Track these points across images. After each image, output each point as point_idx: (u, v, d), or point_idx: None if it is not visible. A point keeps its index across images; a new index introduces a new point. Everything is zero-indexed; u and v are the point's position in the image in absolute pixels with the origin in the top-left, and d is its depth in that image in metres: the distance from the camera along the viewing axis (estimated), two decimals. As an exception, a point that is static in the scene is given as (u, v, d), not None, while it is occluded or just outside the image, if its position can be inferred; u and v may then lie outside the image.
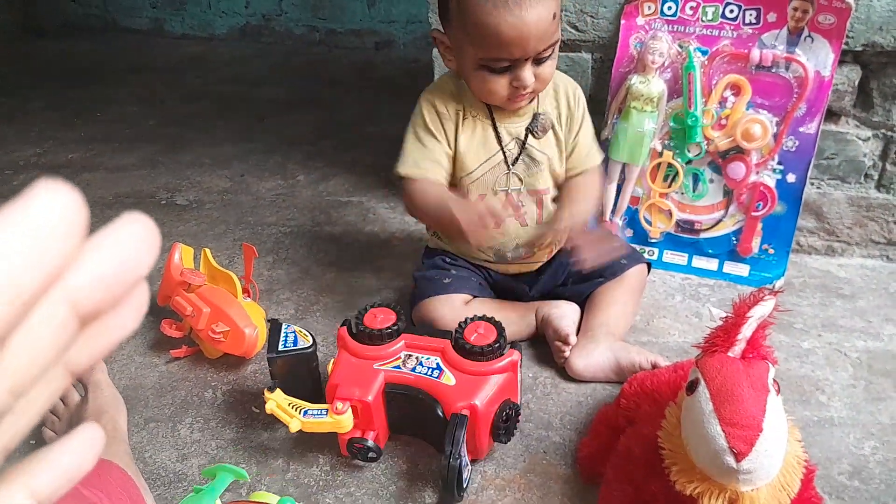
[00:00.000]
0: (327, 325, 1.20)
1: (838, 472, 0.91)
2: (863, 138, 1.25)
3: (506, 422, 0.89)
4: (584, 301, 1.14)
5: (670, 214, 1.29)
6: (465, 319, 0.94)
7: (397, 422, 0.93)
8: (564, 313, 1.10)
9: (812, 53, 1.17)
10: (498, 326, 0.93)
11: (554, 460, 0.94)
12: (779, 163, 1.22)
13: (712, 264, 1.30)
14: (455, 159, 1.09)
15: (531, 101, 1.07)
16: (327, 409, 0.87)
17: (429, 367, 0.91)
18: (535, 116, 1.09)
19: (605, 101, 1.27)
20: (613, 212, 1.33)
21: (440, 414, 0.87)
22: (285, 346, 0.95)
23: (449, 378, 0.89)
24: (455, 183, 1.11)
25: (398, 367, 0.91)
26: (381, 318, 0.94)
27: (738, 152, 1.23)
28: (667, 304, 1.24)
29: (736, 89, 1.21)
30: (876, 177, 1.27)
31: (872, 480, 0.90)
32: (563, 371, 1.07)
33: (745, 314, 0.74)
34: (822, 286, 1.28)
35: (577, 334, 1.07)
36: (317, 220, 1.55)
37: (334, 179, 1.73)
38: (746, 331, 0.74)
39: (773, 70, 1.19)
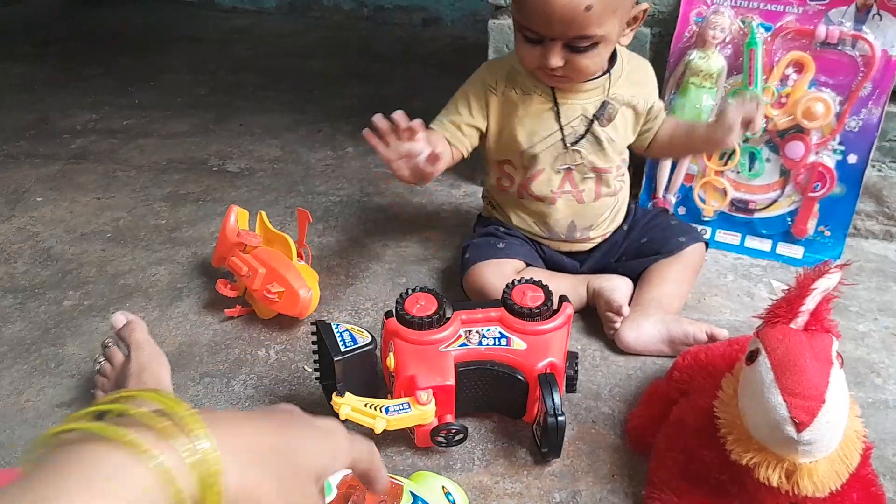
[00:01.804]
0: (376, 291, 1.21)
1: (892, 453, 0.90)
2: (928, 120, 1.21)
3: (575, 372, 0.93)
4: (637, 277, 1.14)
5: (725, 193, 1.28)
6: (508, 285, 0.94)
7: (466, 400, 0.91)
8: (617, 286, 1.10)
9: (880, 31, 1.14)
10: (540, 285, 0.94)
11: (603, 430, 0.94)
12: (840, 143, 1.20)
13: (766, 245, 1.28)
14: (507, 131, 1.10)
15: (569, 82, 1.05)
16: (409, 402, 0.83)
17: (493, 338, 0.90)
18: (604, 104, 1.08)
19: (662, 76, 1.26)
20: (667, 189, 1.31)
21: (521, 379, 0.88)
22: (347, 346, 0.89)
23: (519, 343, 0.89)
24: (512, 153, 1.12)
25: (464, 344, 0.90)
26: (423, 304, 0.91)
27: (797, 131, 1.21)
28: (719, 282, 1.23)
29: (799, 67, 1.19)
30: (940, 161, 1.24)
31: (929, 463, 0.88)
32: (613, 344, 1.07)
33: (810, 286, 0.73)
34: (878, 270, 1.25)
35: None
36: (365, 191, 1.56)
37: (382, 152, 1.74)
38: (810, 303, 0.73)
39: (839, 48, 1.16)
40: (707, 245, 1.18)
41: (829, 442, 0.69)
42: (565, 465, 0.89)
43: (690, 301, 1.17)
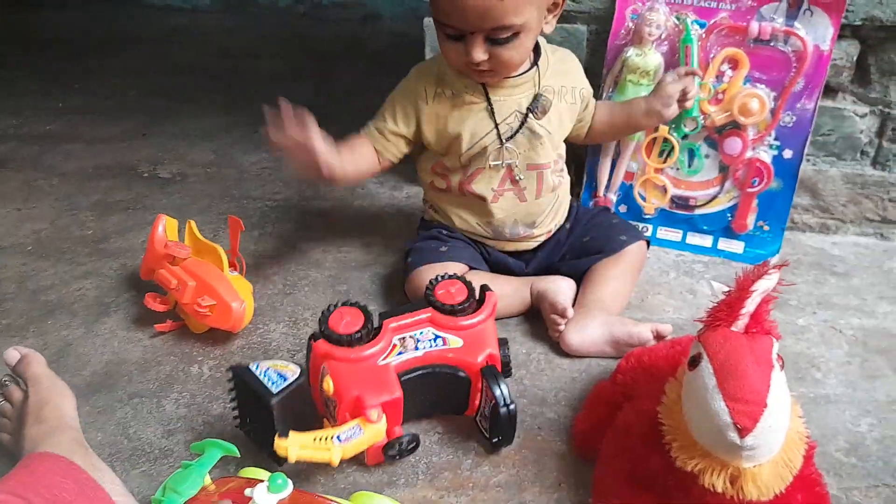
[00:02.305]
0: (315, 300, 1.17)
1: (835, 448, 0.91)
2: (860, 115, 1.23)
3: (508, 357, 0.92)
4: (580, 277, 1.12)
5: (665, 190, 1.27)
6: (429, 284, 0.94)
7: (410, 408, 0.88)
8: (560, 288, 1.08)
9: (811, 27, 1.14)
10: (459, 279, 0.94)
11: (549, 436, 0.92)
12: (775, 139, 1.20)
13: (707, 241, 1.29)
14: (442, 136, 1.08)
15: (494, 77, 1.04)
16: (359, 424, 0.80)
17: (429, 340, 0.89)
18: (537, 97, 1.07)
19: (600, 73, 1.25)
20: (608, 187, 1.31)
21: (463, 376, 0.88)
22: (278, 386, 0.82)
23: (455, 340, 0.89)
24: (450, 158, 1.10)
25: (401, 352, 0.88)
26: (349, 320, 0.87)
27: (734, 127, 1.21)
28: (661, 280, 1.23)
29: (734, 63, 1.19)
30: (872, 154, 1.26)
31: (869, 458, 0.89)
32: (557, 347, 1.05)
33: (749, 288, 0.72)
34: (816, 264, 1.27)
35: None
36: (304, 195, 1.51)
37: (322, 153, 1.69)
38: (750, 305, 0.72)
39: (772, 44, 1.17)
40: (648, 243, 1.18)
41: (772, 445, 0.69)
42: (511, 475, 0.87)
43: (633, 300, 1.16)
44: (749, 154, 1.22)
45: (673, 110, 1.12)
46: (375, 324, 0.89)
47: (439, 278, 0.95)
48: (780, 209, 1.24)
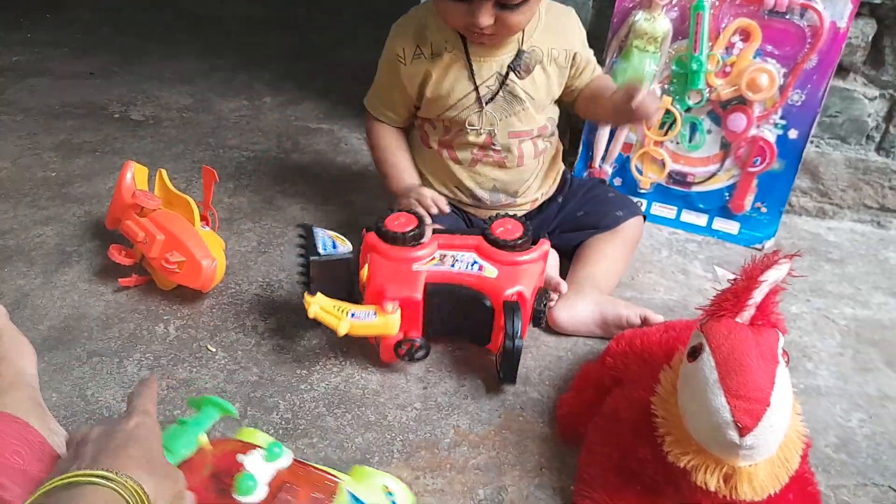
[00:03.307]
0: (291, 261, 1.10)
1: (825, 443, 0.88)
2: (869, 97, 1.19)
3: (544, 307, 0.94)
4: (571, 251, 1.08)
5: (663, 164, 1.22)
6: (490, 218, 0.96)
7: (434, 322, 0.91)
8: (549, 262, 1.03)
9: (829, 2, 1.09)
10: (521, 221, 0.95)
11: (531, 417, 0.88)
12: (782, 117, 1.15)
13: (702, 220, 1.24)
14: (424, 97, 1.03)
15: (496, 40, 0.98)
16: (375, 311, 0.85)
17: (467, 263, 0.91)
18: (519, 53, 1.00)
19: (604, 37, 1.18)
20: (604, 159, 1.25)
21: (488, 305, 0.89)
22: (326, 251, 0.91)
23: (490, 270, 0.90)
24: (429, 118, 1.05)
25: (437, 265, 0.91)
26: (403, 222, 0.92)
27: (740, 103, 1.16)
28: (653, 258, 1.18)
29: (745, 35, 1.13)
30: (878, 139, 1.22)
31: (859, 454, 0.87)
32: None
33: (758, 278, 0.67)
34: (811, 249, 1.23)
35: (561, 286, 1.01)
36: (283, 147, 1.44)
37: (304, 104, 1.61)
38: (757, 296, 0.68)
39: (787, 16, 1.11)
40: (645, 219, 1.13)
41: (771, 445, 0.65)
42: (490, 457, 0.83)
43: (624, 278, 1.12)
44: (753, 132, 1.17)
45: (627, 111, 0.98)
46: (427, 235, 0.93)
47: (501, 215, 0.96)
48: (780, 191, 1.19)
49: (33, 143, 1.39)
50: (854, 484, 0.83)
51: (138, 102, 1.58)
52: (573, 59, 1.05)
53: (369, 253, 0.91)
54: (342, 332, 0.84)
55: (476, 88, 1.01)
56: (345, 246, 0.93)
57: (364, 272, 0.90)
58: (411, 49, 1.01)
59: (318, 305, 0.85)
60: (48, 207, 1.20)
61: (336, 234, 0.94)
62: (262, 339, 0.96)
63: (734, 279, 0.70)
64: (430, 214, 1.06)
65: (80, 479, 0.51)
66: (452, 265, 0.91)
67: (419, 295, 0.87)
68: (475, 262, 0.91)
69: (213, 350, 0.94)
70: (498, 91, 1.01)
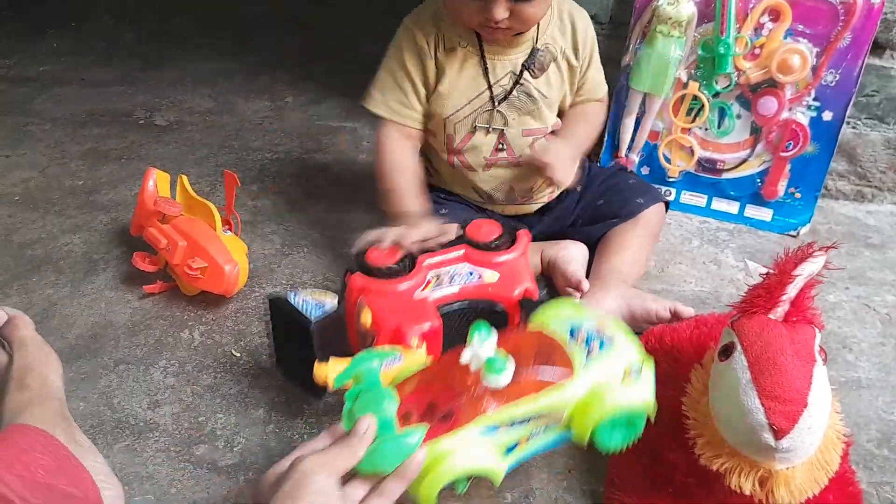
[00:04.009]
0: (315, 263, 1.11)
1: (867, 439, 0.84)
2: (908, 74, 1.13)
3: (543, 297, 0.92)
4: (594, 243, 1.05)
5: (692, 152, 1.19)
6: (462, 223, 0.92)
7: (450, 343, 0.83)
8: (572, 256, 1.01)
9: (863, -24, 1.04)
10: (495, 218, 0.94)
11: (559, 418, 0.86)
12: (815, 99, 1.11)
13: (733, 207, 1.21)
14: (434, 97, 1.00)
15: (513, 35, 0.95)
16: (400, 351, 0.75)
17: (465, 275, 0.87)
18: (534, 52, 0.98)
19: (627, 23, 1.15)
20: (630, 147, 1.22)
21: (500, 310, 0.85)
22: (315, 313, 0.81)
23: (491, 275, 0.87)
24: (434, 122, 1.02)
25: (437, 287, 0.86)
26: (386, 254, 0.87)
27: (770, 86, 1.12)
28: (683, 249, 1.15)
29: (774, 14, 1.09)
30: (918, 118, 1.17)
31: (903, 450, 0.83)
32: (571, 320, 0.98)
33: (792, 272, 0.65)
34: (849, 234, 1.19)
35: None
36: (306, 147, 1.43)
37: (325, 103, 1.60)
38: (791, 291, 0.65)
39: (818, -7, 1.06)
40: (668, 205, 1.09)
41: (809, 447, 0.62)
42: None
43: (653, 270, 1.09)
44: (785, 115, 1.12)
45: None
46: (413, 260, 0.87)
47: (470, 219, 0.93)
48: (815, 176, 1.15)
49: (61, 152, 1.41)
50: (899, 481, 0.80)
51: (162, 108, 1.58)
52: (583, 60, 1.02)
53: (361, 296, 0.83)
54: None
55: (490, 87, 0.99)
56: (329, 299, 0.84)
57: (366, 316, 0.81)
58: (433, 42, 0.98)
59: (337, 372, 0.71)
60: (76, 216, 1.21)
61: (310, 290, 0.86)
62: (287, 344, 0.95)
63: (767, 273, 0.67)
64: (445, 208, 1.05)
65: None
66: (452, 282, 0.86)
67: (438, 321, 0.81)
68: (472, 272, 0.87)
69: (238, 355, 0.94)
70: (511, 90, 0.99)
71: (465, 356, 0.63)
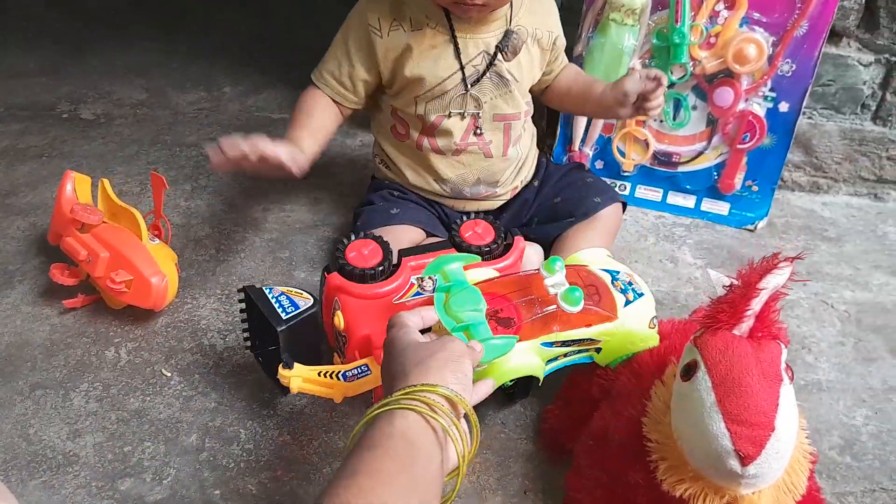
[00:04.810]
0: (253, 270, 1.03)
1: (829, 446, 0.82)
2: (864, 63, 1.11)
3: None
4: (550, 243, 1.00)
5: (647, 145, 1.15)
6: (456, 223, 0.89)
7: None
8: (528, 258, 0.96)
9: (820, -39, 1.01)
10: (488, 220, 0.89)
11: (514, 433, 0.82)
12: (771, 89, 1.08)
13: (689, 201, 1.17)
14: (401, 76, 0.93)
15: (484, 11, 0.89)
16: (367, 364, 0.75)
17: None
18: (507, 34, 0.92)
19: (579, 11, 1.10)
20: (584, 141, 1.17)
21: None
22: (288, 313, 0.78)
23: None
24: (404, 101, 0.96)
25: (418, 293, 0.82)
26: (368, 253, 0.83)
27: (726, 76, 1.08)
28: (638, 246, 1.11)
29: (730, 2, 1.05)
30: (873, 107, 1.15)
31: (865, 456, 0.81)
32: (526, 327, 0.94)
33: (756, 285, 0.61)
34: (805, 227, 1.17)
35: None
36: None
37: (265, 92, 1.52)
38: (756, 305, 0.61)
39: (774, -20, 1.03)
40: (625, 205, 1.05)
41: (776, 471, 0.59)
42: (471, 481, 0.77)
43: (610, 270, 1.05)
44: (741, 106, 1.09)
45: (626, 111, 0.95)
46: (395, 261, 0.84)
47: (465, 217, 0.89)
48: (772, 168, 1.12)
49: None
50: (861, 490, 0.78)
51: (89, 100, 1.48)
52: (554, 42, 0.98)
53: (337, 296, 0.81)
54: (340, 399, 0.74)
55: (462, 68, 0.93)
56: (304, 299, 0.80)
57: (339, 319, 0.79)
58: (388, 21, 0.92)
59: (300, 378, 0.73)
60: (-10, 221, 1.12)
61: (287, 287, 0.82)
62: (221, 360, 0.89)
63: (731, 285, 0.63)
64: (398, 207, 0.99)
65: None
66: (434, 288, 0.82)
67: None
68: None
69: (169, 375, 0.87)
70: (485, 72, 0.93)
71: (550, 282, 0.75)
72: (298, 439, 0.79)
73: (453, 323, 0.67)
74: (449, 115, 0.95)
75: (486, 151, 0.98)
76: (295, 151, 0.85)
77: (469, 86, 0.94)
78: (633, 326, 0.76)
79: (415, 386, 0.56)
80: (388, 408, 0.55)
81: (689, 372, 0.61)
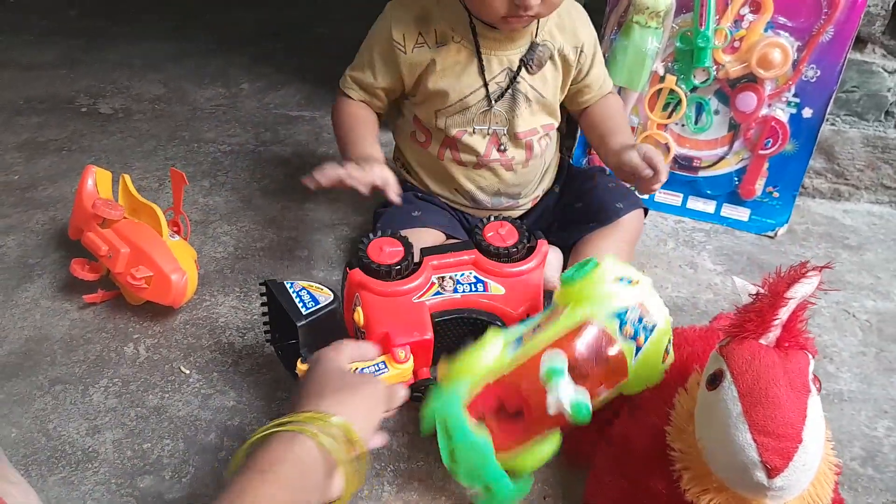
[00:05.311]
0: (271, 267, 1.04)
1: (850, 457, 0.81)
2: (889, 70, 1.10)
3: None
4: (570, 248, 1.00)
5: (668, 149, 1.14)
6: (479, 223, 0.87)
7: (442, 350, 0.82)
8: (548, 262, 0.95)
9: (847, -33, 1.00)
10: (512, 221, 0.88)
11: (533, 438, 0.82)
12: (795, 95, 1.07)
13: (709, 206, 1.16)
14: (424, 89, 0.93)
15: (529, 23, 0.88)
16: (385, 361, 0.76)
17: (470, 284, 0.83)
18: (533, 46, 0.91)
19: (602, 12, 1.09)
20: (604, 144, 1.16)
21: (500, 325, 0.82)
22: (308, 308, 0.78)
23: (497, 287, 0.83)
24: (426, 112, 0.96)
25: (438, 293, 0.82)
26: (389, 251, 0.82)
27: (750, 81, 1.07)
28: (658, 251, 1.11)
29: (755, 6, 1.04)
30: (898, 115, 1.14)
31: (888, 468, 0.80)
32: (544, 330, 0.94)
33: (784, 294, 0.60)
34: (826, 234, 1.16)
35: (562, 288, 0.94)
36: (262, 139, 1.35)
37: (283, 89, 1.52)
38: (784, 314, 0.60)
39: (801, -15, 1.02)
40: (646, 211, 1.05)
41: (803, 484, 0.58)
42: (489, 485, 0.76)
43: (629, 274, 1.04)
44: (764, 111, 1.08)
45: (622, 177, 0.97)
46: (416, 259, 0.84)
47: (491, 218, 0.88)
48: (794, 175, 1.11)
49: (-20, 144, 1.30)
50: (883, 502, 0.77)
51: (107, 94, 1.48)
52: (580, 53, 0.97)
53: (358, 292, 0.81)
54: None
55: (486, 84, 0.92)
56: (324, 295, 0.80)
57: (358, 315, 0.80)
58: (412, 36, 0.91)
59: None
60: (10, 214, 1.12)
61: (309, 283, 0.82)
62: (240, 358, 0.89)
63: (757, 294, 0.62)
64: (419, 210, 0.99)
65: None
66: (455, 290, 0.82)
67: (429, 334, 0.78)
68: (478, 281, 0.83)
69: (187, 372, 0.87)
70: (507, 88, 0.93)
71: (552, 407, 0.66)
72: (317, 439, 0.79)
73: (466, 478, 0.68)
74: (472, 132, 0.95)
75: (507, 166, 0.98)
76: (383, 164, 0.88)
77: (492, 102, 0.93)
78: (645, 374, 0.71)
79: (325, 414, 0.56)
80: (291, 428, 0.55)
81: (714, 381, 0.61)
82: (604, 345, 0.69)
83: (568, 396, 0.66)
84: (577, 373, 0.67)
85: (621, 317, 0.69)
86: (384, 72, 0.94)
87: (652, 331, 0.70)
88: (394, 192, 0.88)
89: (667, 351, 0.72)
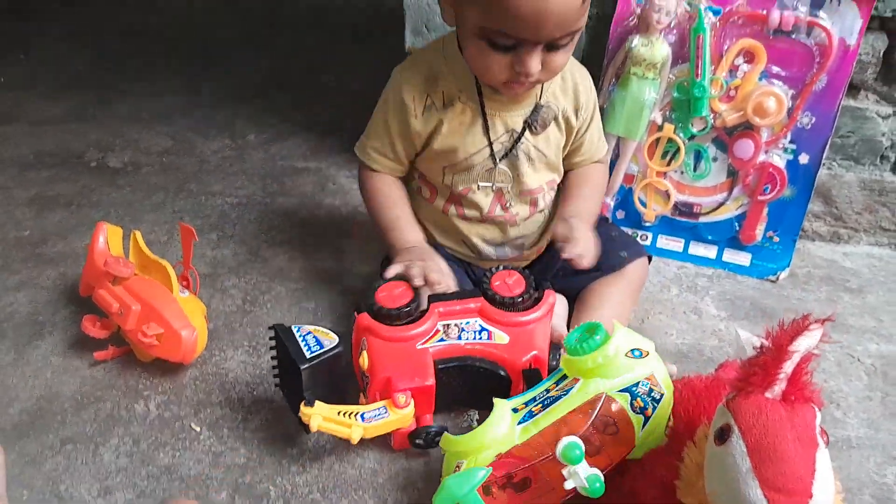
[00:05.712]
0: (279, 319, 1.04)
1: (860, 502, 0.81)
2: (883, 115, 1.12)
3: (556, 362, 0.86)
4: (574, 296, 1.01)
5: (668, 196, 1.16)
6: (488, 272, 0.89)
7: (445, 398, 0.84)
8: (554, 311, 0.97)
9: (838, 18, 1.02)
10: (520, 271, 0.89)
11: (542, 490, 0.82)
12: (791, 141, 1.09)
13: (711, 252, 1.18)
14: (428, 150, 0.96)
15: (531, 88, 0.91)
16: (386, 406, 0.78)
17: (474, 332, 0.85)
18: (537, 108, 0.94)
19: (600, 64, 1.12)
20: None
21: (503, 374, 0.83)
22: (312, 352, 0.80)
23: (501, 336, 0.84)
24: (432, 170, 0.98)
25: (442, 339, 0.84)
26: (398, 294, 0.84)
27: (747, 128, 1.09)
28: (662, 297, 1.12)
29: (749, 56, 1.07)
30: (893, 158, 1.16)
31: (898, 516, 0.80)
32: (551, 380, 0.94)
33: (787, 347, 0.61)
34: (827, 278, 1.17)
35: (568, 337, 0.94)
36: (269, 190, 1.37)
37: (290, 140, 1.55)
38: (788, 367, 0.61)
39: (793, 35, 1.04)
40: (650, 259, 1.06)
41: (814, 539, 0.58)
42: (501, 540, 0.76)
43: (634, 321, 1.05)
44: (761, 158, 1.10)
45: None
46: (423, 305, 0.85)
47: (500, 267, 0.89)
48: (793, 219, 1.13)
49: (6, 198, 1.33)
50: (896, 552, 0.77)
51: (116, 147, 1.51)
52: (580, 113, 0.98)
53: (365, 336, 0.83)
54: (356, 439, 0.77)
55: (490, 144, 0.94)
56: (329, 339, 0.82)
57: (363, 359, 0.82)
58: (421, 99, 0.93)
59: (321, 417, 0.76)
60: (20, 271, 1.14)
61: (315, 327, 0.84)
62: (249, 414, 0.89)
63: (761, 346, 0.63)
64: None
65: None
66: (459, 337, 0.84)
67: (431, 380, 0.80)
68: (483, 329, 0.85)
69: (198, 429, 0.87)
70: (511, 148, 0.95)
71: (569, 484, 0.67)
72: (328, 496, 0.79)
73: None
74: (477, 189, 0.97)
75: (511, 221, 1.00)
76: (435, 264, 0.91)
77: (497, 160, 0.95)
78: (649, 441, 0.73)
79: None
80: None
81: (722, 436, 0.61)
82: (616, 420, 0.70)
83: (584, 472, 0.66)
84: (589, 446, 0.68)
85: (632, 391, 0.71)
86: (401, 138, 0.96)
87: (659, 401, 0.72)
88: (451, 281, 0.90)
89: (670, 418, 0.73)
